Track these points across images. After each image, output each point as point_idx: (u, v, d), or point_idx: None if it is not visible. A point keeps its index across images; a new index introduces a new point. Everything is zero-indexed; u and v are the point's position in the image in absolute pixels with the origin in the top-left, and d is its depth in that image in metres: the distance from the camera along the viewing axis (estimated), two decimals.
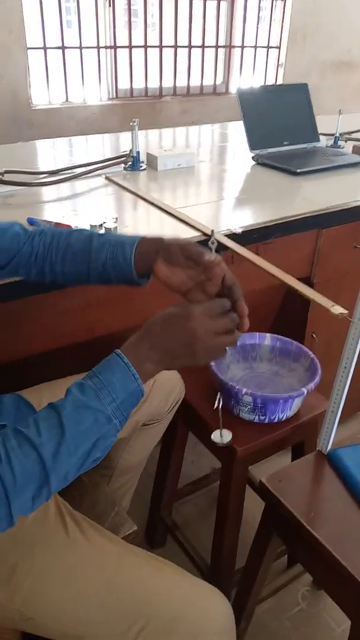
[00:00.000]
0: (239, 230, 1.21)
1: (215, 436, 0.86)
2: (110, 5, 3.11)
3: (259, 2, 3.66)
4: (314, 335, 1.55)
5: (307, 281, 1.43)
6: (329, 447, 1.03)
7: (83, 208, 1.30)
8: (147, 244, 0.84)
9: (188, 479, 1.61)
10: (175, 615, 0.79)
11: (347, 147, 1.97)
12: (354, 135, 2.11)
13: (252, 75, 3.87)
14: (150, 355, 0.68)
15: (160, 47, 3.36)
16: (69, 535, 0.82)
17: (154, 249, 0.82)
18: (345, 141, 2.05)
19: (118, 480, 1.17)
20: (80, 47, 3.09)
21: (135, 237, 0.85)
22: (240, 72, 3.81)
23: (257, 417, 1.08)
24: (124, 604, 0.78)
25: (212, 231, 1.15)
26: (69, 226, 1.14)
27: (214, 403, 1.15)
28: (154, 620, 0.78)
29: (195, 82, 3.63)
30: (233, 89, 3.69)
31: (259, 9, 3.68)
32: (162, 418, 1.18)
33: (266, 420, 1.08)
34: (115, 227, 1.15)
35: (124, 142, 2.06)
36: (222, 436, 0.86)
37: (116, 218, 1.21)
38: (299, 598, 1.41)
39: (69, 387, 0.66)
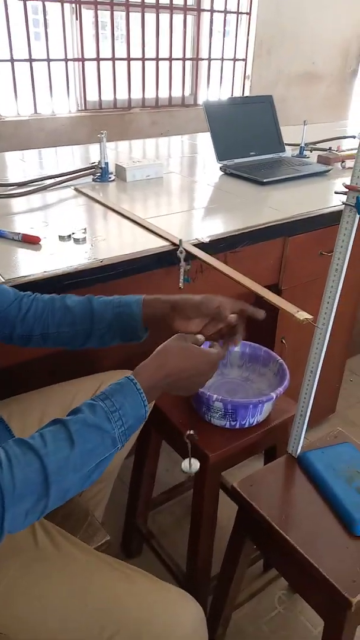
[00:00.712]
0: (207, 240, 1.23)
1: (185, 466, 0.88)
2: (77, 19, 3.13)
3: (225, 16, 3.73)
4: (284, 341, 1.58)
5: (275, 288, 1.46)
6: (299, 450, 1.05)
7: (52, 219, 1.31)
8: (155, 305, 0.90)
9: (163, 487, 1.61)
10: (146, 620, 0.80)
11: (312, 156, 2.02)
12: (318, 145, 2.17)
13: (219, 87, 3.94)
14: (161, 383, 0.74)
15: (128, 59, 3.39)
16: (38, 544, 0.82)
17: (166, 310, 0.89)
18: (311, 151, 2.10)
19: (91, 490, 1.17)
20: (48, 60, 3.10)
21: (138, 297, 0.90)
22: (208, 84, 3.87)
23: (228, 422, 1.10)
24: (94, 612, 0.79)
25: (180, 241, 1.17)
26: (37, 238, 1.15)
27: (187, 411, 1.17)
28: (124, 626, 0.78)
29: (163, 94, 3.67)
30: (201, 101, 3.74)
31: (225, 23, 3.76)
32: None
33: (237, 426, 1.10)
34: (84, 238, 1.16)
35: (93, 153, 2.07)
36: (190, 465, 0.88)
37: (85, 229, 1.22)
38: (276, 602, 1.43)
39: (79, 406, 0.67)
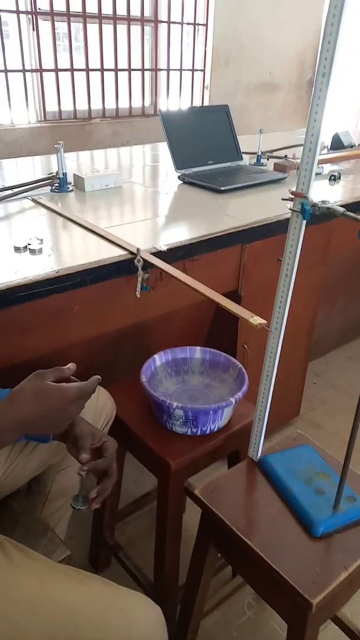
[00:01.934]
0: (164, 248, 1.23)
1: (74, 501, 0.89)
2: (34, 29, 3.12)
3: (182, 27, 3.78)
4: (245, 346, 1.59)
5: (235, 294, 1.48)
6: (259, 454, 1.06)
7: (8, 230, 1.29)
8: None
9: (131, 498, 1.60)
10: (103, 626, 0.79)
11: (269, 164, 2.06)
12: (275, 153, 2.21)
13: (179, 97, 3.98)
14: (14, 427, 0.73)
15: (87, 70, 3.39)
16: None
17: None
18: (267, 159, 2.14)
19: (52, 505, 1.15)
20: (6, 70, 3.07)
21: None
22: (168, 94, 3.90)
23: (189, 429, 1.10)
24: (45, 622, 0.78)
25: (138, 249, 1.18)
26: None
27: (148, 419, 1.16)
28: (78, 633, 0.78)
29: (123, 104, 3.68)
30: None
31: (182, 34, 3.81)
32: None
33: (198, 432, 1.10)
34: (40, 249, 1.15)
35: (54, 164, 2.06)
36: (79, 502, 0.88)
37: (41, 240, 1.21)
38: (245, 607, 1.43)
39: None
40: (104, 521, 1.41)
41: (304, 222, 0.79)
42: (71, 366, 0.82)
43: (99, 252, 1.18)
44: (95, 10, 3.29)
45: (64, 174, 1.64)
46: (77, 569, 0.87)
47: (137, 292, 1.15)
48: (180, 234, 1.33)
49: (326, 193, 1.77)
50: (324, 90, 0.70)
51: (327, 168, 2.05)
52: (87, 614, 0.80)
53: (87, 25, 3.29)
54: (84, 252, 1.20)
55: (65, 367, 0.81)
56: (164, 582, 1.22)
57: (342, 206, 0.75)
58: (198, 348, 1.27)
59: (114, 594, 0.85)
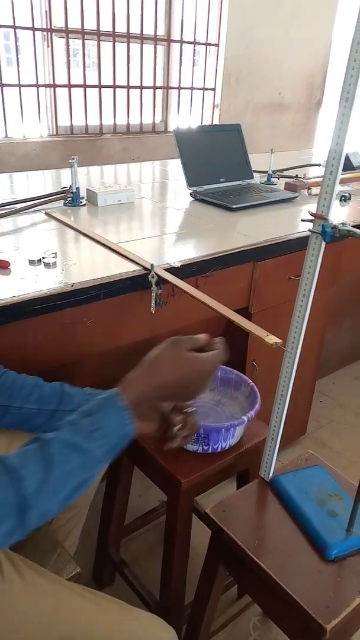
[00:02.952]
0: (178, 264, 1.24)
1: None
2: (49, 46, 3.17)
3: (194, 47, 3.84)
4: (254, 363, 1.59)
5: (245, 312, 1.48)
6: (270, 474, 1.05)
7: (23, 243, 1.30)
8: None
9: (136, 514, 1.59)
10: None
11: (280, 183, 2.08)
12: (286, 173, 2.23)
13: (189, 115, 4.03)
14: (151, 396, 0.71)
15: (100, 86, 3.44)
16: (4, 576, 0.80)
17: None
18: (278, 178, 2.16)
19: (62, 517, 1.14)
20: (20, 85, 3.12)
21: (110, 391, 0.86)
22: (178, 112, 3.95)
23: (200, 447, 1.09)
24: (59, 638, 0.77)
25: (152, 265, 1.18)
26: (6, 262, 1.14)
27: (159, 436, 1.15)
28: None
29: (134, 120, 3.73)
30: (171, 128, 3.82)
31: (194, 53, 3.86)
32: None
33: (209, 450, 1.10)
34: (55, 262, 1.16)
35: (65, 178, 2.08)
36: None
37: (55, 253, 1.21)
38: (251, 628, 1.41)
39: (61, 423, 0.65)
40: (109, 536, 1.40)
41: (323, 244, 0.79)
42: (205, 336, 0.78)
43: (113, 267, 1.18)
44: (110, 29, 3.34)
45: (77, 189, 1.65)
46: (89, 588, 0.86)
47: (151, 308, 1.15)
48: (192, 251, 1.34)
49: (338, 214, 1.78)
50: (347, 115, 0.71)
51: (337, 189, 2.07)
52: (104, 636, 0.79)
53: (101, 43, 3.34)
54: (98, 266, 1.21)
55: (199, 336, 0.77)
56: (170, 600, 1.20)
57: (355, 226, 0.76)
58: None
59: (131, 616, 0.83)
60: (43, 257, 1.18)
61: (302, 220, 0.78)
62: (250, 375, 1.59)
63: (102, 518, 1.40)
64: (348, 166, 2.35)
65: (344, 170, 2.39)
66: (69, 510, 1.20)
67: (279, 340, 0.92)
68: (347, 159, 2.36)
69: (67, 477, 0.62)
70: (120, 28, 3.39)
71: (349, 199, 1.91)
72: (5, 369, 0.92)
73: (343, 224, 0.74)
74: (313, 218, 0.77)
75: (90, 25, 3.26)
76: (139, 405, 0.69)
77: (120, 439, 0.67)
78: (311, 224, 0.78)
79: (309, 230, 0.78)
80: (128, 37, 3.45)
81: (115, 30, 3.37)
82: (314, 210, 0.79)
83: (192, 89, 3.96)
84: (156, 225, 1.57)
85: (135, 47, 3.53)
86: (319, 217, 0.75)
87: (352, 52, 0.67)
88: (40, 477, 0.60)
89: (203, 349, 0.77)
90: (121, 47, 3.46)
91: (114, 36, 3.37)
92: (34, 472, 0.60)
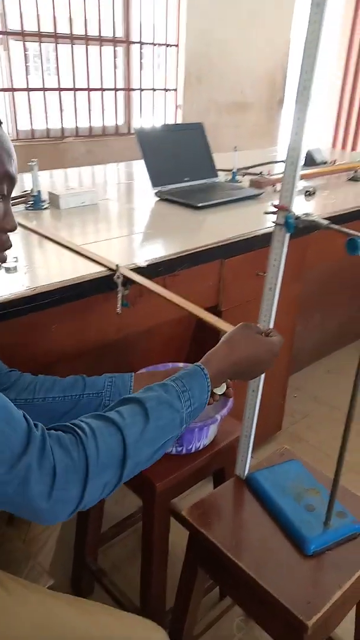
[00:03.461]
0: (144, 264, 1.22)
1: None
2: (5, 49, 3.12)
3: (154, 48, 3.83)
4: None
5: (215, 310, 1.47)
6: (246, 472, 1.04)
7: None
8: (149, 377, 0.96)
9: (114, 520, 1.56)
10: None
11: (245, 181, 2.08)
12: (250, 170, 2.23)
13: (152, 116, 4.01)
14: (228, 371, 0.79)
15: (59, 89, 3.40)
16: None
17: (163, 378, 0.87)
18: (243, 176, 2.16)
19: (36, 528, 1.11)
20: None
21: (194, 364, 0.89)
22: (141, 114, 3.93)
23: (174, 449, 1.07)
24: None
25: (117, 266, 1.16)
26: None
27: None
28: None
29: (97, 123, 3.69)
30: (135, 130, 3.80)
31: (154, 54, 3.85)
32: None
33: (183, 451, 1.08)
34: (15, 267, 1.12)
35: (27, 182, 2.03)
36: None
37: (16, 257, 1.18)
38: (234, 629, 1.39)
39: (151, 385, 0.71)
40: (86, 546, 1.36)
41: (287, 235, 0.78)
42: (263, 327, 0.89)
43: (77, 269, 1.16)
44: (67, 31, 3.30)
45: (39, 192, 1.62)
46: (74, 596, 0.84)
47: (117, 309, 1.13)
48: (159, 250, 1.32)
49: (303, 208, 1.79)
50: (304, 104, 0.71)
51: (302, 184, 2.08)
52: None
53: (59, 45, 3.30)
54: (61, 269, 1.18)
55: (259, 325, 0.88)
56: (151, 606, 1.18)
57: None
58: (180, 364, 1.25)
59: (120, 620, 0.83)
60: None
61: (266, 213, 0.77)
62: None
63: (78, 527, 1.37)
64: (311, 162, 2.37)
65: (307, 166, 2.40)
66: None
67: None
68: (310, 155, 2.38)
69: (161, 431, 0.67)
70: (78, 30, 3.36)
71: (314, 193, 1.92)
72: (21, 372, 0.95)
73: (306, 214, 0.74)
74: (276, 210, 0.76)
75: (47, 27, 3.22)
76: (217, 377, 0.77)
77: (200, 404, 0.73)
78: (275, 216, 0.77)
79: (273, 222, 0.77)
80: (86, 39, 3.41)
81: (73, 33, 3.33)
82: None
83: (153, 90, 3.95)
84: (121, 226, 1.55)
85: (94, 49, 3.50)
86: (282, 209, 0.75)
87: (308, 39, 0.67)
88: (138, 428, 0.65)
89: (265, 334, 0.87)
90: (80, 49, 3.43)
91: (71, 38, 3.34)
92: (135, 423, 0.65)
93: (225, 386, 0.94)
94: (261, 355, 0.82)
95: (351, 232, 0.64)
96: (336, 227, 0.69)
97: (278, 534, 0.92)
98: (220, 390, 0.94)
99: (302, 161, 0.73)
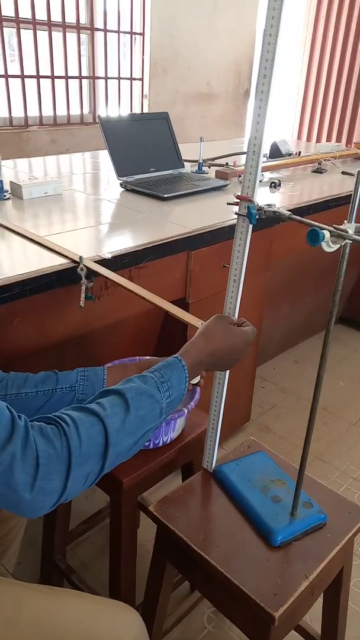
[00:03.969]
0: (109, 256, 1.19)
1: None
2: None
3: (119, 36, 3.76)
4: None
5: (183, 302, 1.46)
6: (214, 464, 1.03)
7: None
8: (122, 369, 0.98)
9: (84, 517, 1.54)
10: (86, 637, 0.77)
11: (211, 172, 2.06)
12: (216, 161, 2.22)
13: (118, 105, 3.95)
14: (205, 361, 0.81)
15: (22, 77, 3.30)
16: None
17: (136, 371, 0.91)
18: (209, 167, 2.15)
19: (4, 527, 1.08)
20: None
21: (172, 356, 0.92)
22: (106, 103, 3.86)
23: None
24: (27, 637, 0.74)
25: (81, 257, 1.13)
26: None
27: None
28: None
29: (62, 112, 3.61)
30: None
31: (119, 43, 3.79)
32: None
33: (151, 446, 1.06)
34: None
35: None
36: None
37: None
38: (205, 621, 1.40)
39: (130, 377, 0.73)
40: (54, 544, 1.34)
41: (251, 226, 0.77)
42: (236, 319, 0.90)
43: (39, 262, 1.12)
44: (29, 16, 3.21)
45: (0, 182, 1.57)
46: (46, 585, 0.84)
47: (81, 302, 1.10)
48: (124, 242, 1.30)
49: (268, 200, 1.79)
50: (265, 92, 0.69)
51: (267, 176, 2.08)
52: (70, 629, 0.77)
53: (21, 31, 3.21)
54: (22, 261, 1.14)
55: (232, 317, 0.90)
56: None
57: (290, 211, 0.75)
58: (147, 358, 1.23)
59: (93, 604, 0.83)
60: None
61: (229, 204, 0.75)
62: None
63: (45, 525, 1.35)
64: (277, 154, 2.37)
65: (273, 157, 2.40)
66: (9, 521, 1.15)
67: None
68: (276, 146, 2.39)
69: (140, 422, 0.69)
70: (41, 16, 3.27)
71: (279, 185, 1.92)
72: None
73: (269, 205, 0.73)
74: (239, 200, 0.75)
75: (8, 12, 3.12)
76: (194, 368, 0.79)
77: (179, 395, 0.75)
78: (237, 207, 0.76)
79: (235, 213, 0.76)
80: (49, 25, 3.32)
81: (36, 18, 3.24)
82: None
83: (119, 78, 3.88)
84: (85, 217, 1.52)
85: (57, 35, 3.41)
86: (244, 199, 0.73)
87: (267, 26, 0.65)
88: (121, 417, 0.66)
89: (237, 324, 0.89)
90: (43, 35, 3.33)
91: (34, 24, 3.25)
92: (115, 413, 0.66)
93: (199, 377, 0.96)
94: (237, 345, 0.84)
95: (312, 222, 0.64)
96: (298, 218, 0.68)
97: (245, 527, 0.92)
98: (194, 380, 0.96)
99: (263, 151, 0.72)
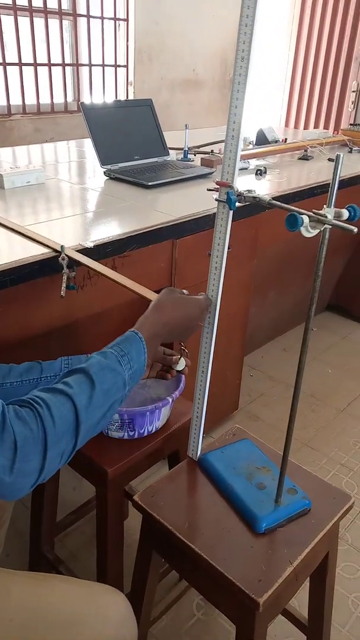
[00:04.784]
0: (91, 245, 1.18)
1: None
2: None
3: (102, 22, 3.70)
4: (182, 344, 1.56)
5: None
6: (199, 453, 1.03)
7: None
8: None
9: (72, 507, 1.53)
10: (73, 620, 0.78)
11: (196, 160, 2.05)
12: (202, 149, 2.20)
13: (102, 93, 3.90)
14: (161, 332, 0.83)
15: (4, 64, 3.25)
16: None
17: None
18: (194, 154, 2.13)
19: None
20: None
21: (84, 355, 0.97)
22: (91, 90, 3.81)
23: (125, 433, 1.05)
24: (16, 624, 0.75)
25: (62, 247, 1.12)
26: None
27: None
28: (52, 632, 0.76)
29: (45, 100, 3.56)
30: None
31: (103, 29, 3.73)
32: None
33: (135, 435, 1.06)
34: None
35: None
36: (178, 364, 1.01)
37: None
38: (194, 608, 1.41)
39: (91, 355, 0.75)
40: (41, 535, 1.34)
41: (231, 212, 0.76)
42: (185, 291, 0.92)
43: (20, 251, 1.11)
44: (10, 1, 3.14)
45: None
46: (30, 571, 0.86)
47: (61, 292, 1.09)
48: (108, 230, 1.28)
49: (253, 188, 1.78)
50: (243, 75, 0.68)
51: (253, 163, 2.07)
52: (57, 613, 0.78)
53: (2, 16, 3.15)
54: (3, 251, 1.13)
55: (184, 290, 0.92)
56: None
57: (275, 199, 0.74)
58: None
59: (79, 587, 0.84)
60: None
61: (208, 190, 0.74)
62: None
63: (32, 517, 1.34)
64: (263, 141, 2.36)
65: (259, 144, 2.38)
66: None
67: None
68: (262, 133, 2.37)
69: (106, 395, 0.71)
70: (22, 1, 3.20)
71: (265, 172, 1.91)
72: None
73: (249, 191, 0.72)
74: (218, 187, 0.74)
75: None
76: (151, 340, 0.81)
77: (139, 367, 0.77)
78: (217, 193, 0.75)
79: (215, 200, 0.75)
80: (31, 10, 3.26)
81: (17, 3, 3.18)
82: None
83: (103, 66, 3.83)
84: (68, 206, 1.49)
85: (39, 22, 3.35)
86: (224, 185, 0.72)
87: (244, 8, 0.64)
88: (87, 393, 0.68)
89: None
90: (24, 21, 3.27)
91: (15, 9, 3.18)
92: (82, 390, 0.68)
93: (184, 363, 1.00)
94: (189, 312, 0.87)
95: (291, 207, 0.63)
96: (277, 203, 0.67)
97: (231, 514, 0.92)
98: (180, 366, 1.01)
99: (242, 135, 0.71)
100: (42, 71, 3.47)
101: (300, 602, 1.33)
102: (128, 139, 1.86)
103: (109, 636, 0.80)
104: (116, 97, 3.98)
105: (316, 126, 4.72)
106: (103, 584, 0.88)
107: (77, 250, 1.14)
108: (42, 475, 0.64)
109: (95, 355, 0.75)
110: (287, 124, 4.87)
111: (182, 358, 1.01)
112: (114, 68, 3.90)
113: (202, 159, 1.98)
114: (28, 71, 3.39)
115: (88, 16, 3.60)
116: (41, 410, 0.64)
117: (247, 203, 0.73)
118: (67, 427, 0.66)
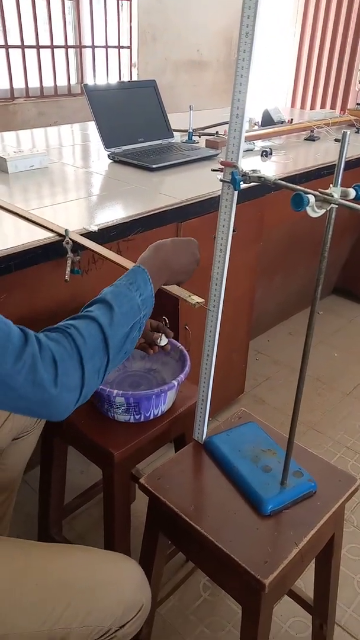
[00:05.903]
0: (95, 229, 1.17)
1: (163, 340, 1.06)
2: None
3: (105, 2, 3.64)
4: (187, 327, 1.56)
5: None
6: (204, 436, 1.03)
7: None
8: None
9: (80, 490, 1.55)
10: (94, 585, 0.81)
11: (201, 141, 2.02)
12: (207, 131, 2.17)
13: (106, 75, 3.85)
14: (162, 267, 0.87)
15: (6, 47, 3.21)
16: None
17: None
18: (199, 136, 2.10)
19: None
20: None
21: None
22: (94, 73, 3.77)
23: (132, 417, 1.06)
24: (44, 590, 0.78)
25: (66, 231, 1.11)
26: None
27: (89, 411, 1.11)
28: (74, 599, 0.78)
29: (48, 83, 3.52)
30: None
31: (106, 9, 3.67)
32: (32, 429, 1.13)
33: (141, 419, 1.06)
34: None
35: None
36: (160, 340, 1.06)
37: None
38: (201, 589, 1.42)
39: (101, 291, 0.79)
40: (49, 518, 1.35)
41: (236, 193, 0.75)
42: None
43: (25, 236, 1.10)
44: None
45: None
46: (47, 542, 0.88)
47: (66, 276, 1.09)
48: (112, 214, 1.27)
49: (259, 168, 1.75)
50: (248, 52, 0.67)
51: (259, 145, 2.04)
52: (78, 579, 0.81)
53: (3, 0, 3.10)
54: (7, 236, 1.12)
55: None
56: None
57: (282, 179, 0.73)
58: None
59: (96, 555, 0.88)
60: None
61: (213, 170, 0.73)
62: (183, 340, 1.56)
63: (40, 501, 1.35)
64: (269, 122, 2.32)
65: (264, 125, 2.34)
66: (2, 492, 1.18)
67: (201, 300, 0.89)
68: (268, 114, 2.33)
69: (125, 317, 0.75)
70: None
71: (270, 154, 1.88)
72: None
73: (253, 170, 0.70)
74: (223, 167, 0.72)
75: None
76: (154, 275, 0.83)
77: (148, 295, 0.80)
78: (222, 174, 0.74)
79: (220, 180, 0.74)
80: None
81: None
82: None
83: (106, 47, 3.77)
84: (72, 189, 1.48)
85: (41, 3, 3.30)
86: (228, 165, 0.71)
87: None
88: (109, 315, 0.73)
89: None
90: (26, 3, 3.22)
91: None
92: (103, 313, 0.73)
93: (166, 340, 1.07)
94: (188, 247, 0.93)
95: (297, 187, 0.62)
96: (283, 183, 0.66)
97: (236, 497, 0.92)
98: (163, 342, 1.07)
99: (247, 113, 0.70)
100: (45, 53, 3.43)
101: (305, 583, 1.34)
102: (132, 121, 1.84)
103: (128, 600, 0.83)
104: (120, 79, 3.93)
105: (322, 106, 4.65)
106: (119, 553, 0.92)
107: (82, 234, 1.14)
108: (84, 392, 0.68)
109: (105, 289, 0.79)
110: (293, 105, 4.80)
111: (162, 335, 1.07)
112: (117, 49, 3.84)
113: (206, 140, 1.96)
114: (30, 54, 3.35)
115: None
116: (70, 331, 0.69)
117: (252, 183, 0.72)
118: (97, 343, 0.70)
